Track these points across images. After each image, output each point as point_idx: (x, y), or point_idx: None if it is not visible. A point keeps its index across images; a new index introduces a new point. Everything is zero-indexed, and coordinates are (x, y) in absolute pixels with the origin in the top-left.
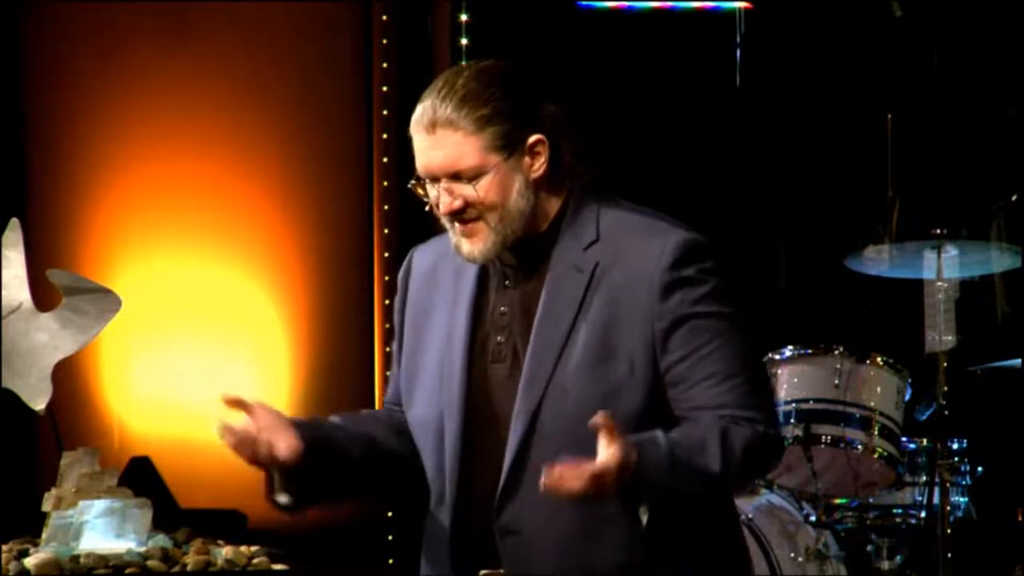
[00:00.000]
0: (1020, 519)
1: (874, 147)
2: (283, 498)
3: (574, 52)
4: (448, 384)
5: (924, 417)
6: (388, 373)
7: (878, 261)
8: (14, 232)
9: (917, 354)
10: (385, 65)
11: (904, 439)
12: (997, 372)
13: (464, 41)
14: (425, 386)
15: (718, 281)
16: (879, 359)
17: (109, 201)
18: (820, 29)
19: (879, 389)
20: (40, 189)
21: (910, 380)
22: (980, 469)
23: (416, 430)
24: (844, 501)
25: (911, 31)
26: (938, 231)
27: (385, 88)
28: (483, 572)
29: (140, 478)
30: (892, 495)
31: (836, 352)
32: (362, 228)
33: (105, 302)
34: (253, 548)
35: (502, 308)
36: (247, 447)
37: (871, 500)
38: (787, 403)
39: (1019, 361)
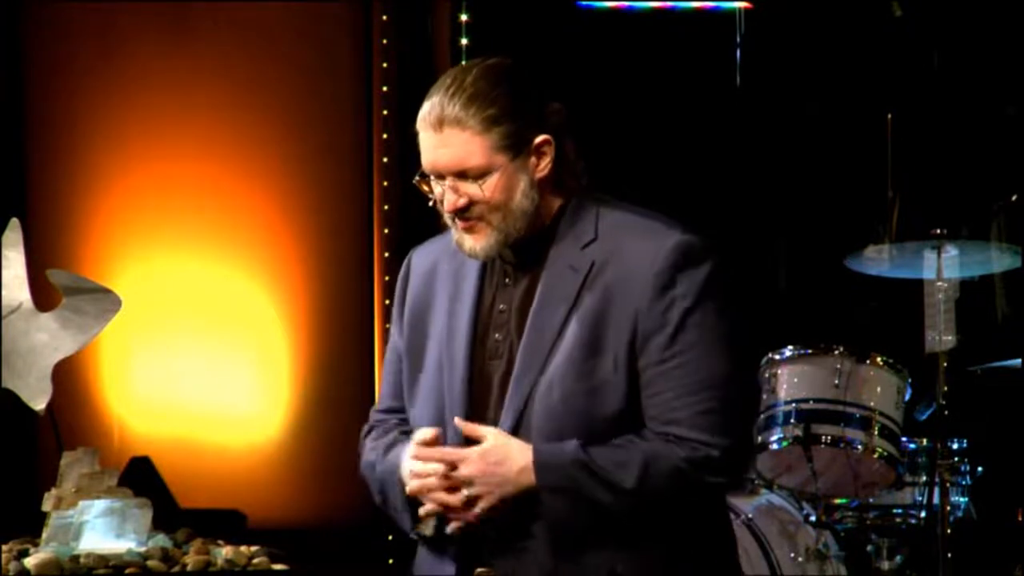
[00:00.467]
0: (1020, 519)
1: (874, 147)
2: (428, 529)
3: (574, 52)
4: (450, 381)
5: (924, 417)
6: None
7: (878, 261)
8: (14, 232)
9: (917, 354)
10: (385, 65)
11: (904, 439)
12: (997, 372)
13: (464, 41)
14: (427, 383)
15: (711, 289)
16: (879, 359)
17: (109, 201)
18: (820, 29)
19: (879, 389)
20: (40, 189)
21: (910, 380)
22: (980, 469)
23: (419, 426)
24: (844, 501)
25: (911, 31)
26: (938, 231)
27: (385, 88)
28: (479, 570)
29: (140, 478)
30: (892, 495)
31: (836, 352)
32: (362, 228)
33: (105, 302)
34: (253, 548)
35: (501, 306)
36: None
37: (871, 500)
38: (787, 403)
39: (1019, 361)
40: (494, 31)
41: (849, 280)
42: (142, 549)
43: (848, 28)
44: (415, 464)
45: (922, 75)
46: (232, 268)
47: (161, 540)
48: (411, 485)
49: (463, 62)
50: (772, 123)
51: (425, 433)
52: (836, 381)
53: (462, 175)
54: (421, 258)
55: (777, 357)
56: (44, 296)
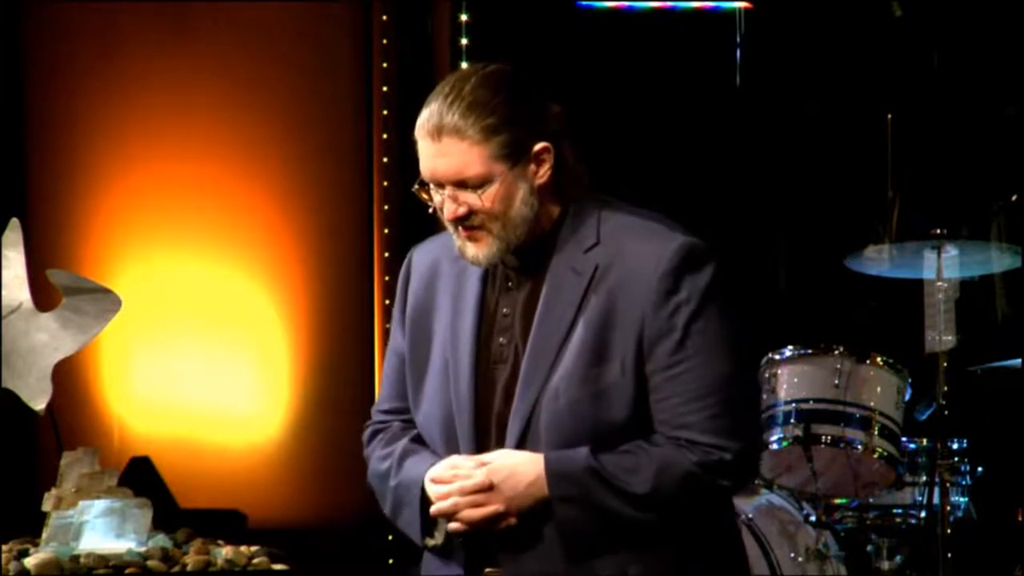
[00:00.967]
0: (1020, 519)
1: (874, 147)
2: (440, 539)
3: (574, 52)
4: (456, 385)
5: (924, 417)
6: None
7: (878, 261)
8: (14, 232)
9: (917, 354)
10: (385, 65)
11: (904, 439)
12: (997, 372)
13: (464, 41)
14: (432, 385)
15: (714, 292)
16: (879, 359)
17: (109, 201)
18: (820, 29)
19: (879, 389)
20: (40, 189)
21: (910, 380)
22: (980, 469)
23: (425, 429)
24: (844, 501)
25: (911, 31)
26: (938, 231)
27: (385, 88)
28: (488, 570)
29: (140, 478)
30: (892, 495)
31: (836, 352)
32: (362, 228)
33: (105, 302)
34: (253, 548)
35: (504, 310)
36: None
37: (871, 500)
38: (787, 403)
39: (1019, 361)
40: (494, 31)
41: (849, 280)
42: (142, 549)
43: (848, 28)
44: (440, 488)
45: (922, 75)
46: (232, 268)
47: (161, 540)
48: (437, 507)
49: (463, 65)
50: (772, 123)
51: (441, 472)
52: (836, 381)
53: (461, 184)
54: (421, 257)
55: (777, 357)
56: (44, 296)
